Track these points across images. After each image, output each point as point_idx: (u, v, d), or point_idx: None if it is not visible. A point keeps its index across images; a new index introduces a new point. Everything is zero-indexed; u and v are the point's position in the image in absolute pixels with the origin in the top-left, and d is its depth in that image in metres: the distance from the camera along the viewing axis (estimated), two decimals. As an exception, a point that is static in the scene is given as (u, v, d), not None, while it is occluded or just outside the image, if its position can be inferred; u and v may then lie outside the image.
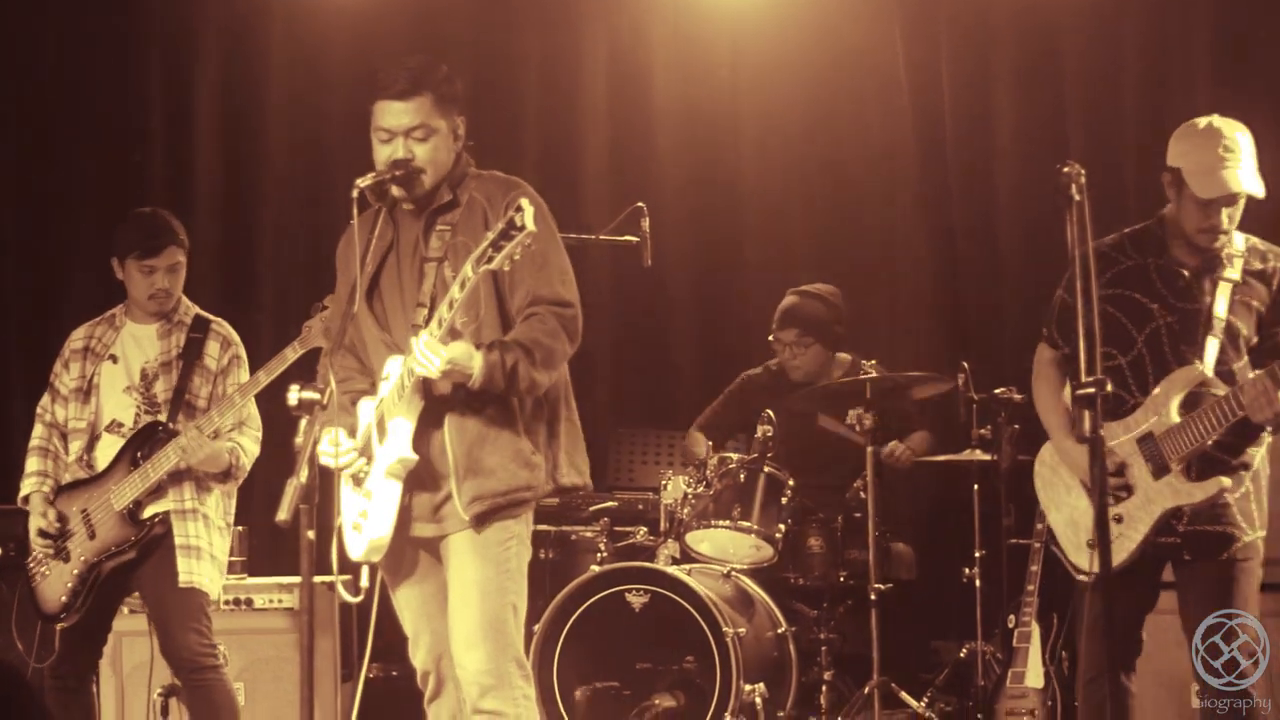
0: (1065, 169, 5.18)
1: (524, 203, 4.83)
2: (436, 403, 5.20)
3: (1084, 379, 5.00)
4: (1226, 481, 5.54)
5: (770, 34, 9.18)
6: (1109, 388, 5.05)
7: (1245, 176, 5.55)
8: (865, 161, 9.23)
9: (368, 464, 5.27)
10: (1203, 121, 5.65)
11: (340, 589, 5.28)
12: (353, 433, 5.32)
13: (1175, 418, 5.54)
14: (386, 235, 5.39)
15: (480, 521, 5.21)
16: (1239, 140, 5.58)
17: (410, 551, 5.37)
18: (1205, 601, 5.62)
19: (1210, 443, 5.51)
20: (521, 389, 5.17)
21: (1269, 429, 5.55)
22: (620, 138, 9.44)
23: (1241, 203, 5.60)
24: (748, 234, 9.43)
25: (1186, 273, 5.65)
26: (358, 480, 5.28)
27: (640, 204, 7.48)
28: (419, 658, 5.48)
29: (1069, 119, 8.71)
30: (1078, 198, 5.17)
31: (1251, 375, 5.51)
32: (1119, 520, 5.58)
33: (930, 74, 9.10)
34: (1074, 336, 5.71)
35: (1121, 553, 5.55)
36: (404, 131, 5.23)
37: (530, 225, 4.80)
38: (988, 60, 8.98)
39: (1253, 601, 5.67)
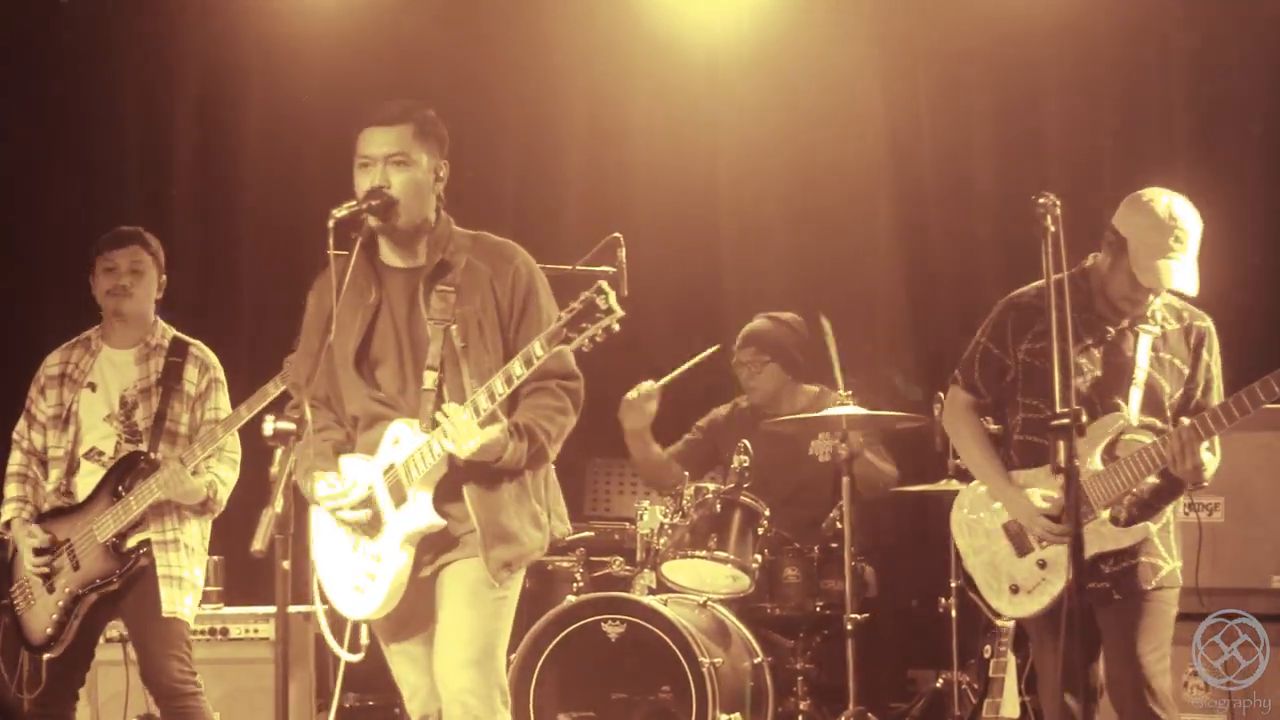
0: (1041, 200, 5.20)
1: (604, 285, 4.89)
2: (457, 469, 5.24)
3: (1058, 410, 5.03)
4: (1153, 528, 5.63)
5: (748, 67, 9.21)
6: (1084, 417, 5.09)
7: (1183, 275, 5.60)
8: (843, 193, 9.24)
9: (375, 530, 5.30)
10: (1161, 202, 5.65)
11: (337, 649, 5.36)
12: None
13: (1099, 465, 5.60)
14: (370, 293, 5.36)
15: (504, 582, 5.32)
16: (1189, 231, 5.62)
17: (414, 599, 5.37)
18: (1133, 634, 5.64)
19: (1134, 490, 5.59)
20: (535, 467, 5.36)
21: (1189, 484, 5.60)
22: (597, 168, 9.46)
23: None
24: (725, 265, 9.45)
25: (1112, 329, 5.72)
26: (358, 534, 5.32)
27: (617, 234, 7.49)
28: (417, 703, 5.49)
29: (1047, 150, 8.74)
30: (1053, 229, 5.21)
31: (1177, 425, 5.56)
32: (1042, 565, 5.66)
33: (908, 106, 9.13)
34: (997, 385, 5.87)
35: (1044, 597, 5.65)
36: (383, 158, 5.25)
37: (618, 309, 4.87)
38: (966, 92, 9.01)
39: (1170, 628, 5.74)
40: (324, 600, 5.41)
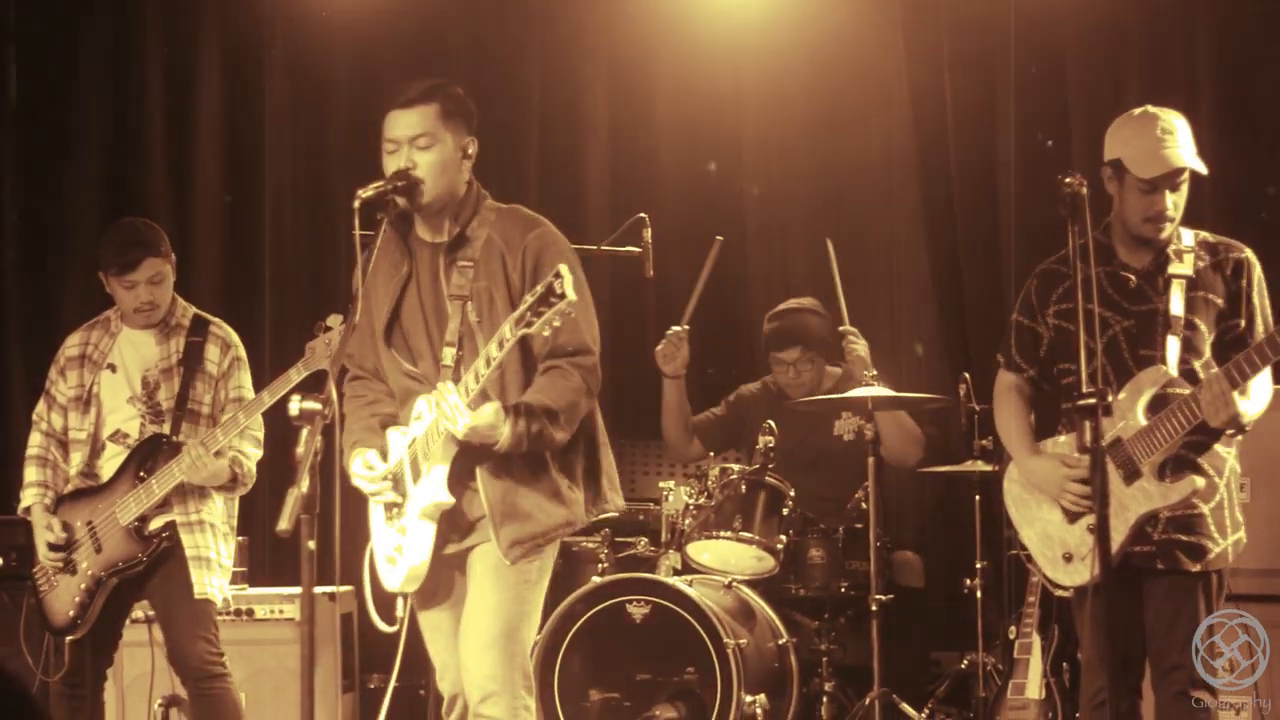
0: (1068, 180, 5.15)
1: (564, 269, 4.85)
2: (467, 448, 5.23)
3: (1084, 390, 4.98)
4: (1200, 481, 5.47)
5: (773, 47, 9.18)
6: (1110, 398, 5.05)
7: (1185, 154, 5.52)
8: (868, 173, 9.21)
9: (401, 499, 5.34)
10: (1137, 110, 5.64)
11: (375, 618, 5.37)
12: (384, 455, 5.40)
13: (1142, 420, 5.48)
14: (402, 265, 5.41)
15: (517, 561, 5.29)
16: (1175, 124, 5.57)
17: (441, 572, 5.41)
18: (1173, 614, 5.55)
19: (1179, 443, 5.47)
20: (544, 449, 5.29)
21: (1229, 431, 5.52)
22: (622, 148, 9.44)
23: (1185, 189, 5.57)
24: (750, 245, 9.42)
25: (1135, 276, 5.62)
26: (389, 510, 5.36)
27: (642, 215, 7.50)
28: (448, 682, 5.51)
29: (1072, 130, 8.69)
30: (1080, 209, 5.16)
31: (1207, 374, 5.47)
32: (1093, 530, 5.38)
33: (933, 86, 9.09)
34: (1035, 356, 5.80)
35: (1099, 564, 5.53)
36: (409, 140, 5.27)
37: (570, 294, 4.82)
38: (991, 72, 8.96)
39: (1212, 610, 5.61)
40: (373, 572, 5.43)
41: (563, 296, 4.83)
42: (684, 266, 8.89)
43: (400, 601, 5.42)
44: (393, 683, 5.59)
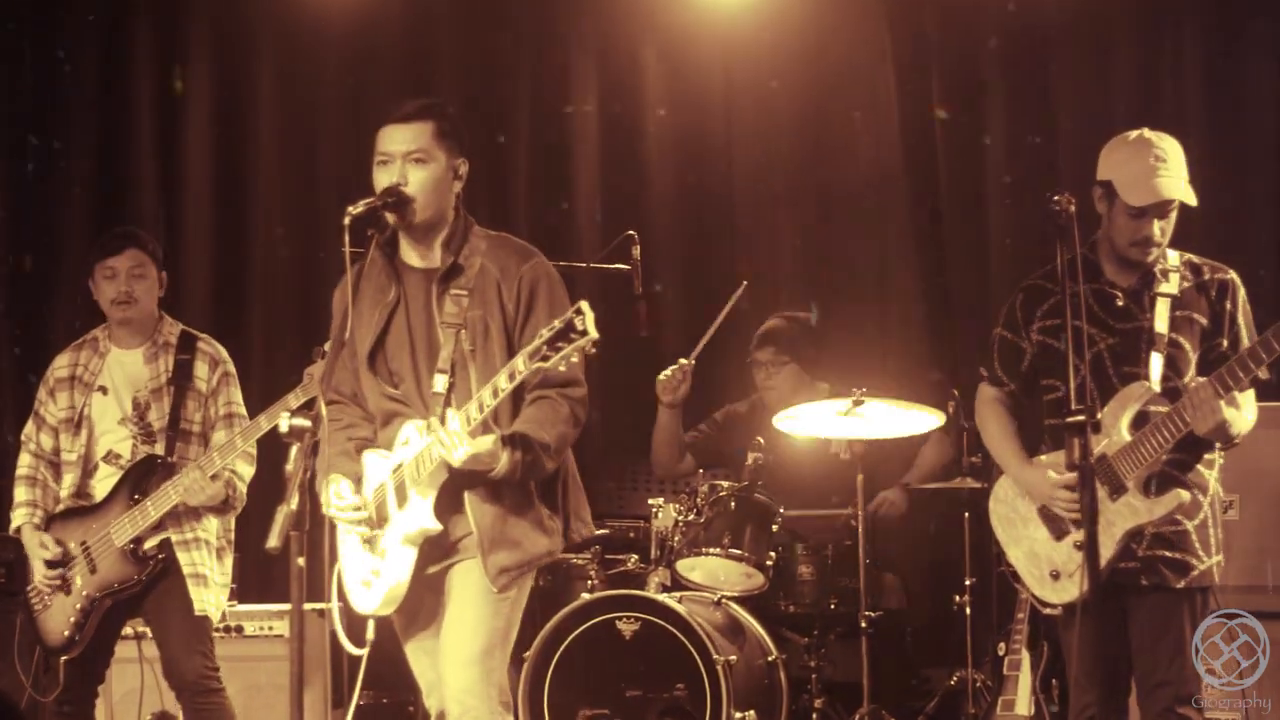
0: (1056, 198, 5.16)
1: (585, 306, 4.86)
2: (458, 475, 5.23)
3: (1073, 407, 4.99)
4: (1185, 495, 5.47)
5: (762, 61, 9.20)
6: (1098, 414, 5.07)
7: (1177, 184, 5.53)
8: (857, 189, 9.23)
9: (381, 526, 5.32)
10: (1133, 134, 5.63)
11: (345, 641, 5.39)
12: (357, 480, 5.38)
13: (1126, 436, 5.50)
14: (389, 290, 5.40)
15: (504, 589, 5.31)
16: (1170, 150, 5.57)
17: (423, 594, 5.41)
18: (1158, 631, 5.56)
19: (1164, 459, 5.48)
20: (534, 479, 5.32)
21: (1216, 443, 5.54)
22: (612, 165, 9.45)
23: (1174, 215, 5.58)
24: (739, 261, 9.42)
25: (1121, 294, 5.63)
26: (370, 542, 5.35)
27: (631, 232, 7.49)
28: (435, 699, 5.52)
29: (1060, 146, 8.72)
30: (1068, 226, 5.17)
31: (1195, 381, 5.49)
32: (1080, 547, 5.48)
33: (922, 101, 9.11)
34: (1018, 371, 5.81)
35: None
36: (403, 155, 5.26)
37: (593, 332, 4.83)
38: (979, 87, 8.98)
39: (1196, 627, 5.61)
40: (341, 594, 5.43)
41: (584, 334, 4.83)
42: (673, 284, 8.90)
43: (371, 624, 5.41)
44: (355, 700, 5.62)
